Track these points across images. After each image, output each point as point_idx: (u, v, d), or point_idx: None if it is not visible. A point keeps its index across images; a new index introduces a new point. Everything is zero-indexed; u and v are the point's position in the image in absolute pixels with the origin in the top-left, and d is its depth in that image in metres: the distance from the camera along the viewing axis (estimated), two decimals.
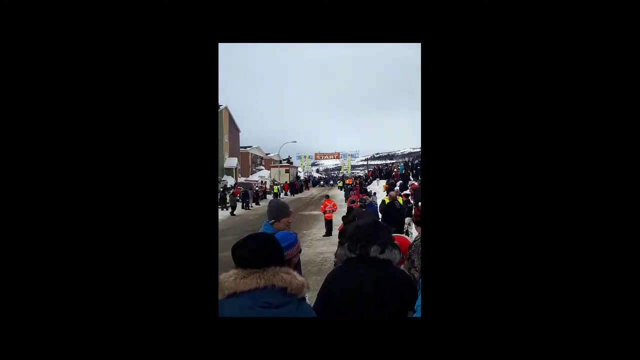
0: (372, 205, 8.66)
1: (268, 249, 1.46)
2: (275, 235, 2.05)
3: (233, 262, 1.51)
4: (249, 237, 1.52)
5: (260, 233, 1.56)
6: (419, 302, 1.69)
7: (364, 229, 1.84)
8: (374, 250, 1.77)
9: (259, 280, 1.37)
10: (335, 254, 1.89)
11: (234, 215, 18.15)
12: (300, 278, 1.44)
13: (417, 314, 1.66)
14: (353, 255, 1.78)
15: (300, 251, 2.21)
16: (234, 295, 1.39)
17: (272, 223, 2.50)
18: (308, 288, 1.48)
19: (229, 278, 1.42)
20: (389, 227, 2.10)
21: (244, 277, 1.39)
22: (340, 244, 1.89)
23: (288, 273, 1.42)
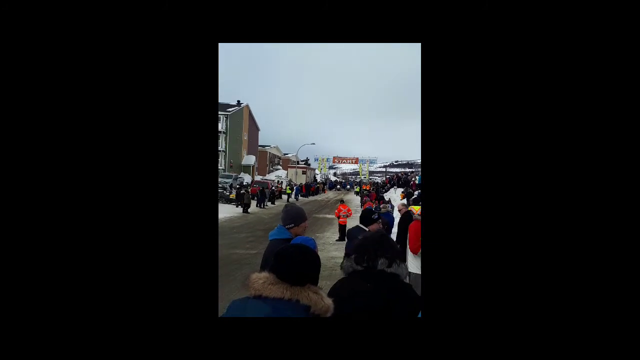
0: (388, 214, 8.43)
1: (311, 270, 1.42)
2: (294, 240, 2.03)
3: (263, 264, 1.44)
4: (297, 251, 1.45)
5: (308, 248, 1.51)
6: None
7: (371, 242, 1.78)
8: (381, 264, 1.71)
9: (284, 292, 1.35)
10: (342, 266, 1.83)
11: (248, 212, 18.31)
12: (327, 300, 1.40)
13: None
14: (360, 268, 1.73)
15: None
16: (260, 297, 1.37)
17: (291, 228, 2.45)
18: (333, 312, 1.44)
19: (259, 280, 1.40)
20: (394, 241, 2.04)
21: (273, 283, 1.37)
22: (347, 255, 1.83)
23: (316, 292, 1.38)
